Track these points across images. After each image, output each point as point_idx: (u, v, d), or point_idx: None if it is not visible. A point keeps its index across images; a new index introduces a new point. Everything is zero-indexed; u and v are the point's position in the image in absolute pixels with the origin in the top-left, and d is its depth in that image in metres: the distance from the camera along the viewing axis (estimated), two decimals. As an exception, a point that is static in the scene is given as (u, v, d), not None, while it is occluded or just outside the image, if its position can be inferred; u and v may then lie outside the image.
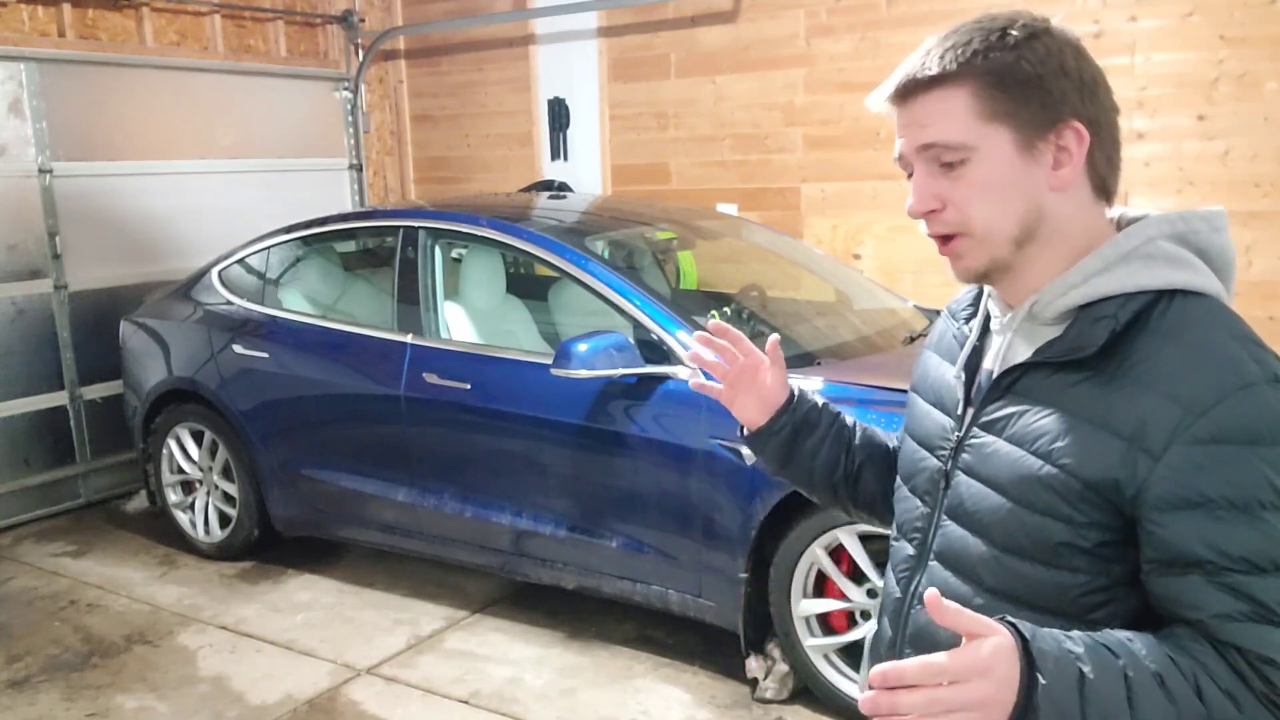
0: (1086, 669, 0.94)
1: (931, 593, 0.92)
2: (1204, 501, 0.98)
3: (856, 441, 1.45)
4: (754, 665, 3.28)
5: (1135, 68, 4.52)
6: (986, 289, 1.23)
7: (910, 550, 1.24)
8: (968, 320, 1.27)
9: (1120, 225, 1.14)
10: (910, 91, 1.10)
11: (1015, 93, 1.07)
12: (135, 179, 5.44)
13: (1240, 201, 4.39)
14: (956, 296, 1.32)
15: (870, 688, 0.94)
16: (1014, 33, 1.08)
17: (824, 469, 1.43)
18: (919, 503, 1.24)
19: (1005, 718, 0.91)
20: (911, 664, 0.92)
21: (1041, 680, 0.91)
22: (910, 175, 1.14)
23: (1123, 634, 1.00)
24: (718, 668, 3.47)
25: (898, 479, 1.31)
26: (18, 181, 5.01)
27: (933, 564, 1.20)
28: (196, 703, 3.39)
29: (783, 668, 3.25)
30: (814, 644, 3.15)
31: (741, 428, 1.45)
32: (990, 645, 0.92)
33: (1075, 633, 0.98)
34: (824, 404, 1.45)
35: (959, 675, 0.91)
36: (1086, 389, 1.06)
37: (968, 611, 0.93)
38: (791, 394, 1.42)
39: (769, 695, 3.25)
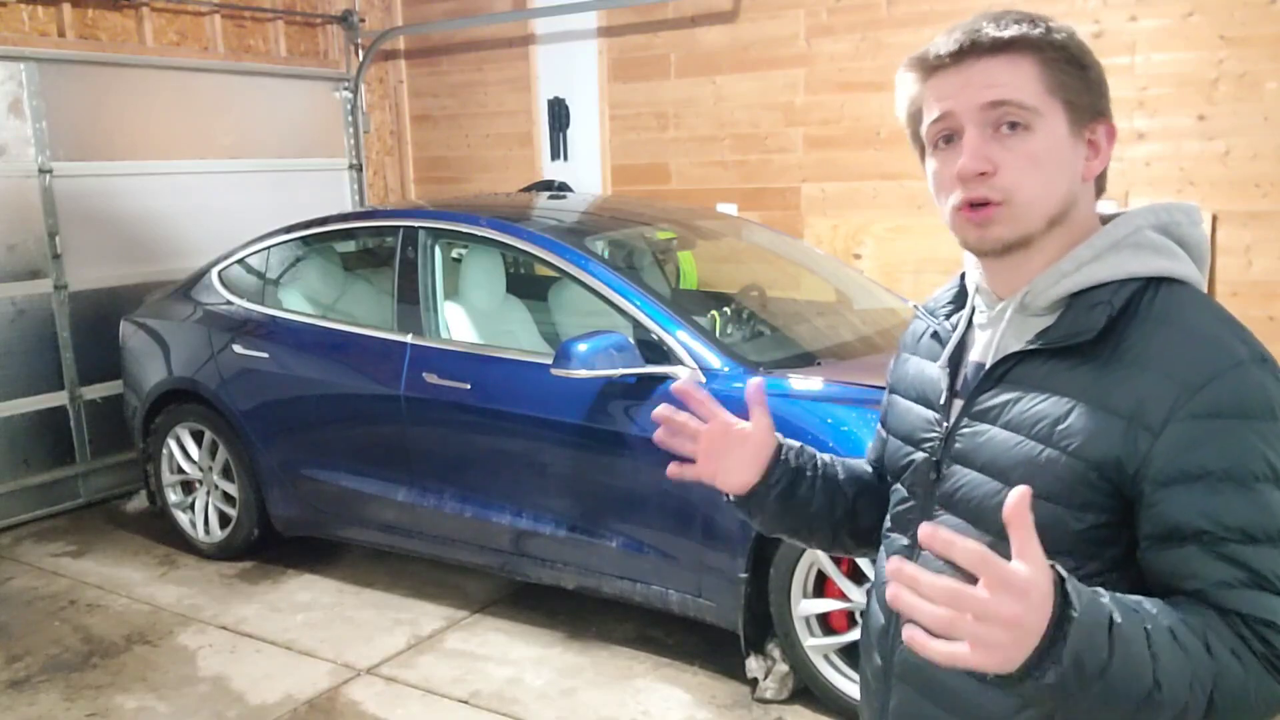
0: (1116, 614, 0.94)
1: (1021, 489, 0.89)
2: (1202, 474, 1.02)
3: (842, 476, 1.42)
4: (754, 665, 3.28)
5: (1135, 68, 4.52)
6: (972, 286, 1.26)
7: (905, 541, 1.27)
8: (948, 316, 1.29)
9: (1102, 219, 1.18)
10: (977, 50, 1.10)
11: (1077, 75, 1.11)
12: (135, 179, 5.44)
13: (1240, 201, 4.40)
14: (934, 294, 1.35)
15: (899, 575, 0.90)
16: (1063, 25, 1.13)
17: (823, 511, 1.39)
18: (908, 495, 1.27)
19: (1025, 650, 0.89)
20: (970, 543, 0.88)
21: (1075, 613, 0.90)
22: (927, 149, 1.16)
23: (1133, 596, 1.01)
24: (718, 668, 3.47)
25: (889, 477, 1.33)
26: (18, 181, 5.01)
27: (926, 553, 1.20)
28: (196, 703, 3.39)
29: (783, 668, 3.25)
30: (814, 644, 3.15)
31: (727, 495, 1.37)
32: (1031, 569, 0.89)
33: (1096, 587, 0.98)
34: (801, 446, 1.40)
35: (998, 581, 0.87)
36: (1082, 373, 1.09)
37: (1032, 531, 0.89)
38: (779, 441, 1.36)
39: (769, 695, 3.25)
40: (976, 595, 0.87)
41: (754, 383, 1.33)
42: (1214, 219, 4.44)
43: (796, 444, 1.41)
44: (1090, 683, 0.91)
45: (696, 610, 3.36)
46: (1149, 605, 1.00)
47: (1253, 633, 1.00)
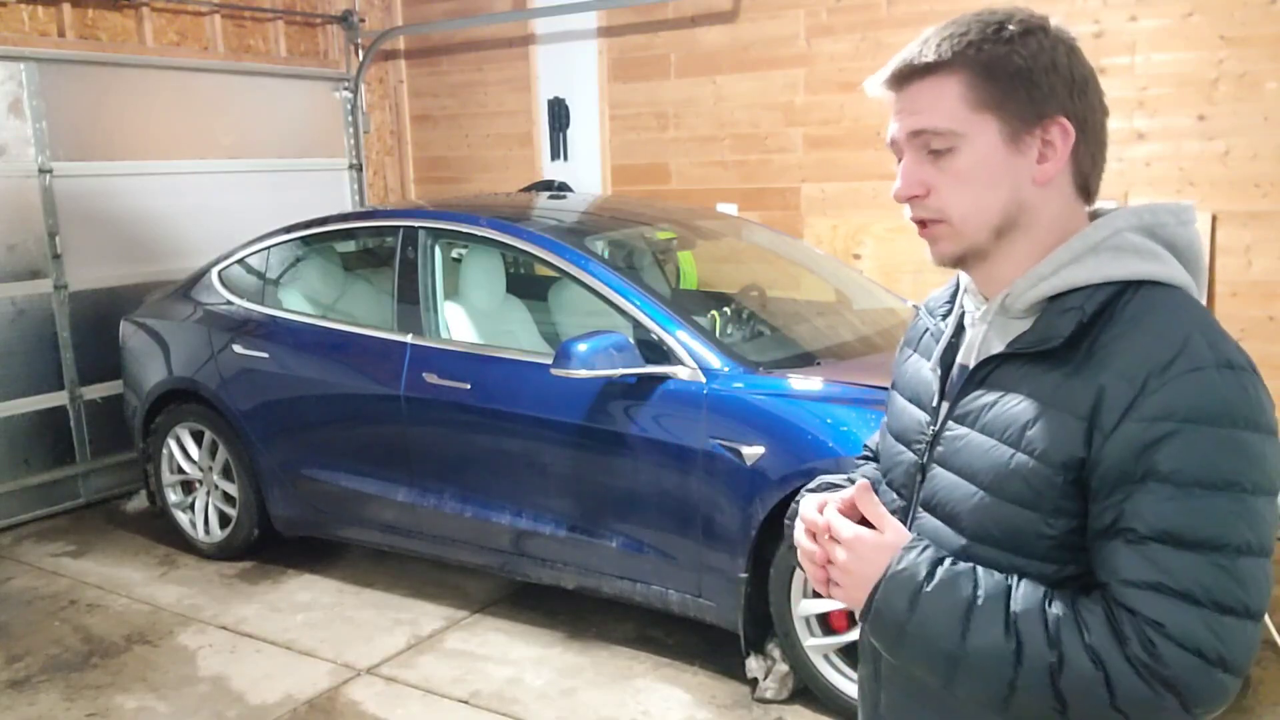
0: (929, 585, 1.08)
1: (863, 482, 1.14)
2: (1145, 476, 1.01)
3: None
4: (754, 665, 3.28)
5: (1135, 68, 4.52)
6: (962, 285, 1.26)
7: None
8: (944, 317, 1.29)
9: (1093, 219, 1.17)
10: (906, 77, 1.13)
11: (1004, 84, 1.09)
12: (135, 179, 5.44)
13: (1240, 201, 4.40)
14: (934, 294, 1.35)
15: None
16: (1011, 27, 1.10)
17: None
18: (896, 496, 1.27)
19: (866, 593, 1.11)
20: (833, 519, 1.15)
21: (887, 575, 1.09)
22: (900, 160, 1.17)
23: (1014, 579, 1.08)
24: (718, 668, 3.47)
25: (880, 472, 1.34)
26: (18, 181, 5.01)
27: None
28: (196, 703, 3.39)
29: (783, 668, 3.25)
30: (814, 644, 3.15)
31: None
32: (863, 533, 1.12)
33: (961, 563, 1.10)
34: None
35: (832, 535, 1.15)
36: (1054, 378, 1.08)
37: (879, 508, 1.13)
38: None
39: (769, 695, 3.25)
40: (823, 543, 1.16)
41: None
42: (1214, 219, 4.44)
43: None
44: (891, 632, 1.10)
45: (696, 610, 3.36)
46: (1022, 589, 1.05)
47: (1136, 634, 0.99)
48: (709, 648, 3.56)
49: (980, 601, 1.05)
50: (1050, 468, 1.06)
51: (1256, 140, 4.33)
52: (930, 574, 1.08)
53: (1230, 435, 1.00)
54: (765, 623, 3.25)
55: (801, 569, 1.22)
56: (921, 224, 1.16)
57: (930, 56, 1.11)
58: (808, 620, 3.17)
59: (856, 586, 1.12)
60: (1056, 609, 1.03)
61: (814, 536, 1.18)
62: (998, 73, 1.09)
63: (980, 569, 1.08)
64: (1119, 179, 4.57)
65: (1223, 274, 4.46)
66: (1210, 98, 4.39)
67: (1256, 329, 4.33)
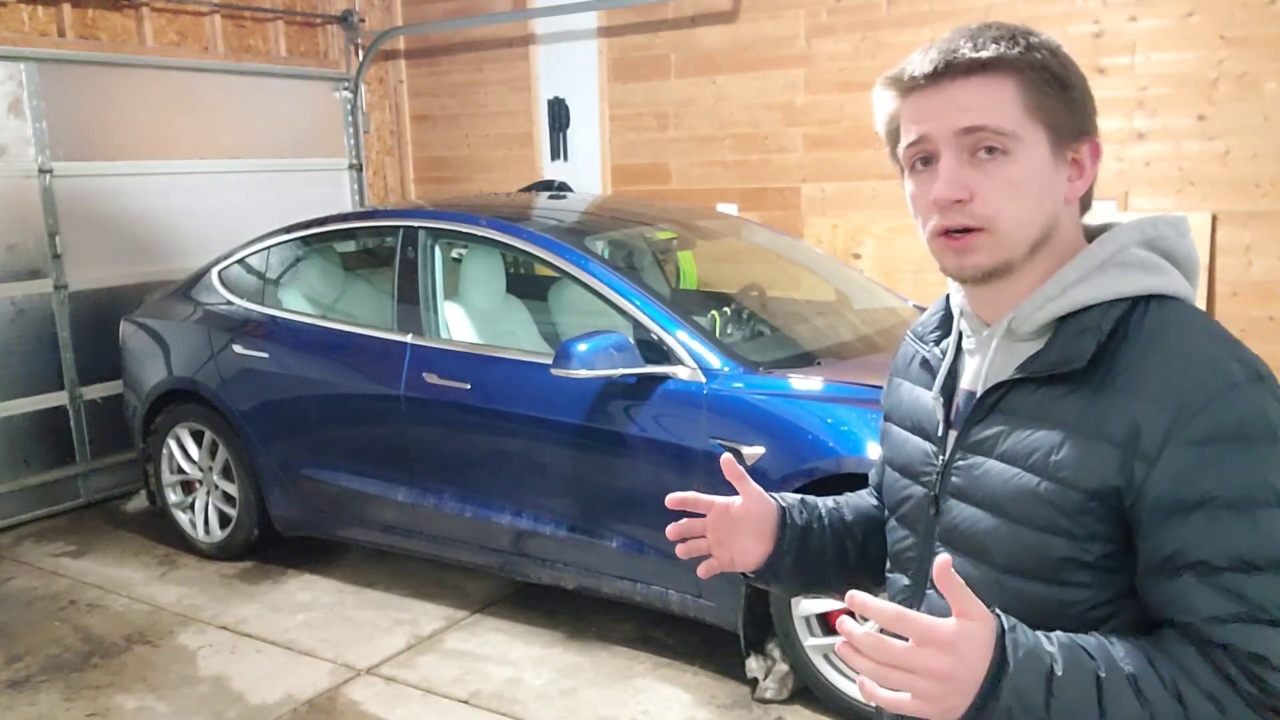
0: (1058, 667, 0.96)
1: (944, 558, 0.94)
2: (1200, 502, 0.98)
3: (849, 518, 1.39)
4: (754, 665, 3.28)
5: (1135, 68, 4.52)
6: (956, 309, 1.23)
7: (906, 580, 1.23)
8: (937, 343, 1.25)
9: (1088, 235, 1.15)
10: (953, 72, 1.06)
11: (1058, 95, 1.07)
12: (135, 179, 5.44)
13: (1240, 201, 4.40)
14: (920, 319, 1.31)
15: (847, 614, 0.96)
16: (1046, 40, 1.08)
17: (836, 561, 1.37)
18: (908, 532, 1.23)
19: (967, 699, 0.94)
20: (886, 606, 0.95)
21: (1009, 668, 0.94)
22: (909, 167, 1.12)
23: (1102, 637, 1.00)
24: (718, 668, 3.47)
25: (886, 510, 1.30)
26: (18, 181, 5.01)
27: (930, 592, 1.18)
28: (196, 703, 3.39)
29: (783, 668, 3.25)
30: (814, 644, 3.15)
31: (745, 574, 1.35)
32: (961, 625, 0.94)
33: (1055, 633, 0.99)
34: (803, 499, 1.39)
35: (920, 638, 0.93)
36: (1075, 400, 1.05)
37: (964, 589, 0.95)
38: (779, 505, 1.34)
39: (769, 695, 3.25)
40: (898, 649, 0.94)
41: (725, 460, 1.31)
42: (1214, 219, 4.44)
43: (796, 499, 1.38)
44: None
45: (696, 610, 3.36)
46: (1118, 649, 0.99)
47: (1240, 669, 0.96)
48: (709, 648, 3.56)
49: (1104, 673, 0.96)
50: (1083, 494, 1.03)
51: (1256, 140, 4.33)
52: (1053, 655, 0.97)
53: (1274, 449, 0.99)
54: (765, 623, 3.25)
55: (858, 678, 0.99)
56: (952, 233, 1.08)
57: (987, 53, 1.05)
58: (808, 620, 3.16)
59: (958, 693, 0.94)
60: (1164, 664, 0.98)
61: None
62: (1052, 84, 1.06)
63: (1077, 636, 1.00)
64: (1119, 179, 4.57)
65: (1223, 274, 4.46)
66: (1210, 98, 4.39)
67: (1256, 329, 4.33)
